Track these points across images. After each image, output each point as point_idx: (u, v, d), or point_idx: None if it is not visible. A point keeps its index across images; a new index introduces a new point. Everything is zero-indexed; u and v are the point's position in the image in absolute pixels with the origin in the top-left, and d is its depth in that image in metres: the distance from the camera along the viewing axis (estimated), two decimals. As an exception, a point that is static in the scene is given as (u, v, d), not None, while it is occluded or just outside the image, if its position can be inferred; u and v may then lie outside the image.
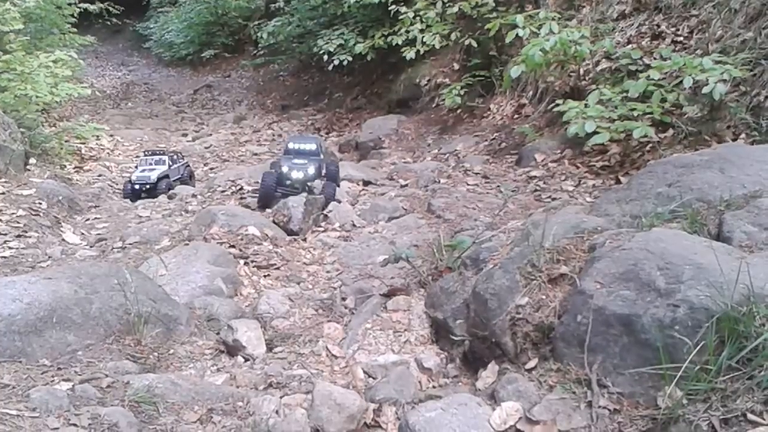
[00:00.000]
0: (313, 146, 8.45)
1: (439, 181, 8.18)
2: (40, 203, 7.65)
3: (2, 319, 3.32)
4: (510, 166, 8.56)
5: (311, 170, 7.86)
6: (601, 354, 3.00)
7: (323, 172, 8.15)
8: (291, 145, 8.50)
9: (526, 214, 5.99)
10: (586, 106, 7.08)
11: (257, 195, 7.81)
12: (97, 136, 13.17)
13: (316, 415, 3.23)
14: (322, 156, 8.42)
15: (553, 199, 6.66)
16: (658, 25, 8.20)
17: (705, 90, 6.17)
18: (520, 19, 8.54)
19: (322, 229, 6.88)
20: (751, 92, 6.45)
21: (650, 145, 6.88)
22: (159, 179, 9.71)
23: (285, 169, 7.86)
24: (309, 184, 7.73)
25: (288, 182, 7.68)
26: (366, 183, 8.72)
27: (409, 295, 4.66)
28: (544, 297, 3.46)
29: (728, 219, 3.56)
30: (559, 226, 3.93)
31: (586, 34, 7.93)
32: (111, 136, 14.24)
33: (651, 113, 6.68)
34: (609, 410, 2.81)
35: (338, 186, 8.11)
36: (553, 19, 8.28)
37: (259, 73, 21.81)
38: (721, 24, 7.26)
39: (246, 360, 4.12)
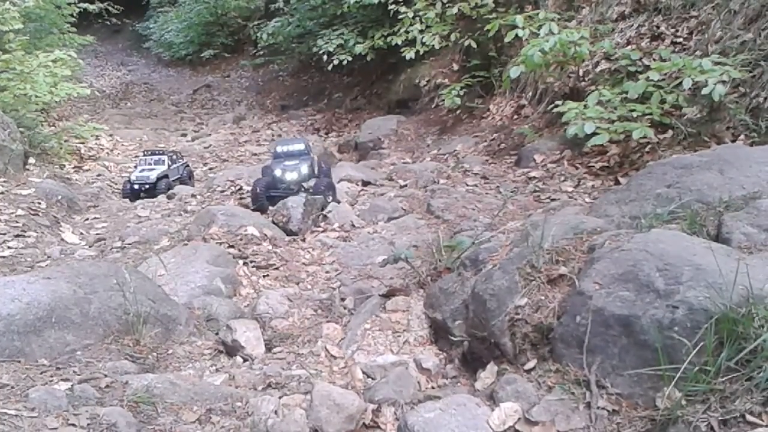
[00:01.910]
0: (301, 146, 8.38)
1: (439, 182, 8.17)
2: (39, 203, 7.65)
3: (1, 319, 3.31)
4: (509, 167, 8.55)
5: (305, 169, 7.86)
6: (600, 355, 3.00)
7: (316, 169, 8.14)
8: (279, 149, 8.38)
9: (525, 215, 5.99)
10: (585, 107, 7.08)
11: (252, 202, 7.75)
12: (97, 136, 13.21)
13: (314, 415, 3.22)
14: (311, 155, 8.40)
15: (553, 200, 6.66)
16: (658, 26, 8.20)
17: (704, 91, 6.18)
18: (519, 19, 8.55)
19: (321, 229, 6.87)
20: (751, 93, 6.45)
21: (649, 146, 6.88)
22: (158, 179, 9.72)
23: (278, 172, 7.84)
24: (304, 184, 7.73)
25: (282, 185, 7.68)
26: (365, 183, 8.72)
27: (408, 295, 4.65)
28: (543, 298, 3.46)
29: (727, 220, 3.56)
30: (559, 226, 3.93)
31: (585, 35, 7.93)
32: (110, 135, 14.25)
33: (650, 114, 6.68)
34: (608, 411, 2.81)
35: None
36: (552, 20, 8.28)
37: (258, 73, 21.81)
38: (720, 25, 7.26)
39: (245, 360, 4.12)
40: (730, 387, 2.51)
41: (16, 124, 9.29)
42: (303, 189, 7.65)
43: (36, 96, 10.26)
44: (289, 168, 7.85)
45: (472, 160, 9.02)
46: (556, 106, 7.67)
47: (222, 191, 8.82)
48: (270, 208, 7.39)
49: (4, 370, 3.11)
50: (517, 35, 8.53)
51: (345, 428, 3.23)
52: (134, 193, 9.62)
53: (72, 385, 3.08)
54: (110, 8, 17.31)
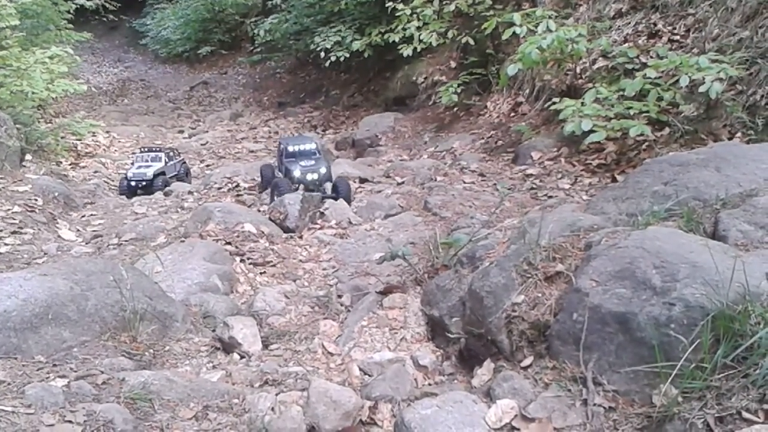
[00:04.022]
0: (312, 146, 8.35)
1: (436, 179, 8.18)
2: (36, 200, 7.64)
3: (-2, 316, 3.31)
4: (506, 164, 8.56)
5: (323, 170, 7.84)
6: (596, 352, 3.01)
7: (331, 171, 8.11)
8: (291, 148, 8.24)
9: (522, 212, 6.00)
10: (582, 104, 7.08)
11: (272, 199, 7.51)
12: (93, 133, 13.20)
13: (311, 412, 3.23)
14: (321, 155, 8.37)
15: (550, 197, 6.67)
16: (655, 24, 8.21)
17: (701, 89, 6.19)
18: (517, 17, 8.55)
19: (318, 226, 6.87)
20: (748, 91, 6.46)
21: (646, 143, 6.89)
22: (155, 176, 9.74)
23: (297, 173, 7.76)
24: (319, 185, 7.70)
25: (300, 185, 7.61)
26: (362, 180, 8.72)
27: (405, 292, 4.66)
28: (540, 295, 3.47)
29: (724, 217, 3.57)
30: (555, 224, 3.93)
31: (582, 32, 7.93)
32: (107, 132, 14.24)
33: (647, 112, 6.69)
34: (604, 408, 2.81)
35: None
36: (550, 17, 8.29)
37: (255, 70, 21.80)
38: (717, 23, 7.27)
39: (242, 357, 4.12)
40: (727, 384, 2.51)
41: (13, 121, 9.27)
42: (321, 190, 7.61)
43: (33, 93, 10.23)
44: (308, 169, 7.79)
45: (469, 158, 9.02)
46: (554, 103, 7.68)
47: (219, 188, 8.81)
48: (264, 206, 7.38)
49: (0, 366, 3.10)
50: (514, 33, 8.53)
51: (342, 425, 3.23)
52: (131, 189, 9.63)
53: (69, 382, 3.07)
54: (107, 5, 17.27)
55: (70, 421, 2.72)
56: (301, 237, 6.61)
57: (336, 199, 7.38)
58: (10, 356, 3.23)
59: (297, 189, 7.56)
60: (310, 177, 7.72)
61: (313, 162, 7.93)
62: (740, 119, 6.34)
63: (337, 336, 4.42)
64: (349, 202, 7.41)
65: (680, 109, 6.84)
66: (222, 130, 15.50)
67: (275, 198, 7.38)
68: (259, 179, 8.74)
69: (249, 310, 4.80)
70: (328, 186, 7.77)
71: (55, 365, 3.28)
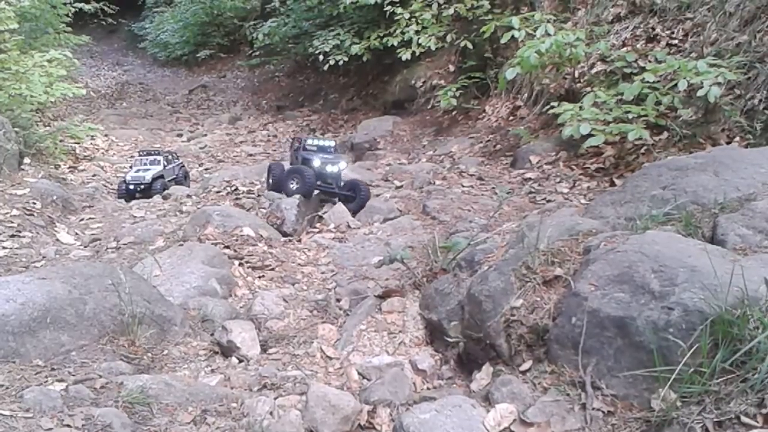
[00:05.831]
0: (331, 143, 8.42)
1: (434, 183, 8.18)
2: (35, 203, 7.62)
3: (-4, 320, 3.30)
4: (505, 168, 8.56)
5: (342, 164, 7.85)
6: (595, 356, 3.01)
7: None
8: (310, 142, 8.28)
9: (520, 216, 6.00)
10: (581, 108, 7.10)
11: (296, 190, 7.41)
12: (92, 136, 13.17)
13: (310, 416, 3.22)
14: (338, 153, 8.38)
15: (548, 201, 6.67)
16: (653, 28, 8.22)
17: (699, 93, 6.20)
18: (515, 21, 8.57)
19: (317, 230, 6.87)
20: (746, 95, 6.47)
21: (645, 147, 6.89)
22: (154, 179, 9.72)
23: (317, 163, 7.75)
24: (334, 185, 7.70)
25: (320, 178, 7.63)
26: (361, 184, 8.72)
27: (403, 296, 4.66)
28: (538, 299, 3.47)
29: (722, 222, 3.57)
30: (554, 228, 3.93)
31: (581, 36, 7.94)
32: (106, 135, 14.22)
33: (646, 116, 6.70)
34: (603, 412, 2.81)
35: None
36: (548, 21, 8.30)
37: (254, 73, 21.80)
38: (715, 27, 7.28)
39: (240, 361, 4.12)
40: (725, 388, 2.52)
41: (11, 124, 9.25)
42: (337, 187, 7.64)
43: (31, 96, 10.21)
44: (329, 161, 7.81)
45: (468, 161, 9.02)
46: (552, 107, 7.68)
47: (218, 192, 8.79)
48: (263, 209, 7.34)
49: (-2, 370, 3.10)
50: (513, 36, 8.55)
51: (340, 429, 3.23)
52: (129, 193, 9.60)
53: (67, 386, 3.07)
54: (106, 8, 17.26)
55: (68, 425, 2.72)
56: (299, 241, 6.61)
57: (352, 200, 7.41)
58: (9, 360, 3.23)
59: (323, 181, 7.62)
60: (330, 168, 7.71)
61: (333, 156, 7.96)
62: (738, 123, 6.35)
63: (335, 340, 4.41)
64: (362, 207, 7.42)
65: (678, 113, 6.85)
66: (221, 133, 15.50)
67: (294, 186, 7.37)
68: (266, 179, 8.57)
69: (247, 313, 4.79)
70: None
71: (53, 369, 3.28)
